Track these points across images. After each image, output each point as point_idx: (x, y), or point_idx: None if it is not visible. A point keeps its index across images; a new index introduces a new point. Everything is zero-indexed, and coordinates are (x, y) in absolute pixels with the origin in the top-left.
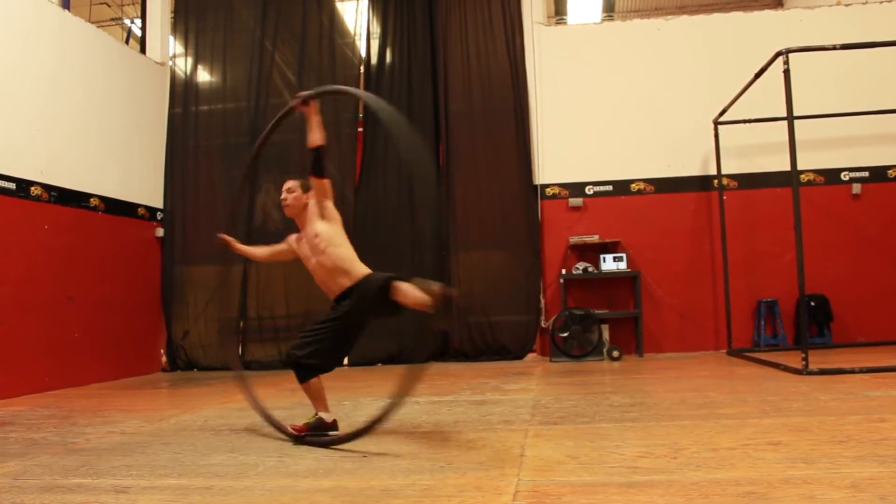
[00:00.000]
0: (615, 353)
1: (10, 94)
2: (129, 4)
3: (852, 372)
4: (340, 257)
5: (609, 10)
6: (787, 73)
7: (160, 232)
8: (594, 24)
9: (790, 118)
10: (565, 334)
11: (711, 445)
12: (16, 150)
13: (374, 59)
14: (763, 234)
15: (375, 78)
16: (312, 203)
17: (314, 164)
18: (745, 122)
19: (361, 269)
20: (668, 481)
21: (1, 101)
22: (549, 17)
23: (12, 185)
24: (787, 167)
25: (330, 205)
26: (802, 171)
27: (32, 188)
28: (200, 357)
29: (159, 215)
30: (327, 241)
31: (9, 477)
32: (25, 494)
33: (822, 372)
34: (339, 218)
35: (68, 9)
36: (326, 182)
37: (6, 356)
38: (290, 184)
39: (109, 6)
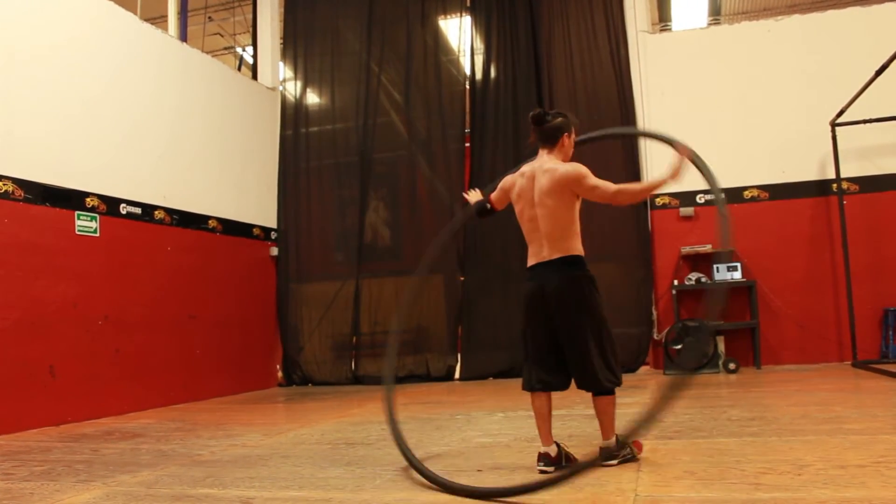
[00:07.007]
0: (731, 366)
1: (139, 128)
2: (240, 33)
3: None
4: None
5: (715, 13)
6: None
7: (274, 251)
8: (700, 28)
9: None
10: (679, 346)
11: (839, 462)
12: (142, 177)
13: (478, 75)
14: (889, 238)
15: (480, 94)
16: None
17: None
18: (865, 122)
19: None
20: (794, 499)
21: (130, 134)
22: (653, 24)
23: (138, 210)
24: None
25: None
26: None
27: (156, 212)
28: (315, 372)
29: (273, 235)
30: None
31: (143, 486)
32: (158, 502)
33: None
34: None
35: (185, 40)
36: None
37: (138, 372)
38: None
39: (222, 36)
